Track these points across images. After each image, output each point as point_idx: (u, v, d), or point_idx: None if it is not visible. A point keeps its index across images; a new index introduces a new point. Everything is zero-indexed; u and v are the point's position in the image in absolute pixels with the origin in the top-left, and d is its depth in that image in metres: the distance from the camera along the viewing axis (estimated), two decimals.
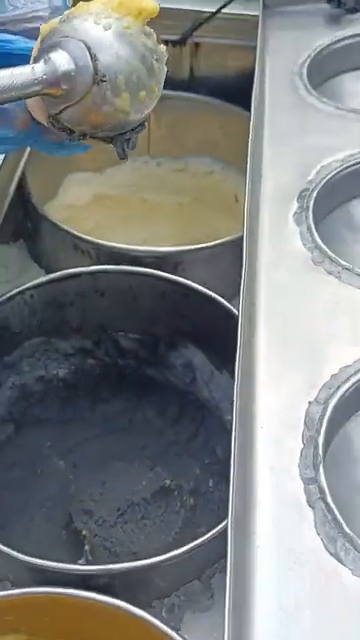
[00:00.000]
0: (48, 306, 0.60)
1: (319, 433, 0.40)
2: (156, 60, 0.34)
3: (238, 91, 0.71)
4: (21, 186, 0.65)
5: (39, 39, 0.34)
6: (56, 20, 0.34)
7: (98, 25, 0.33)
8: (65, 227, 0.63)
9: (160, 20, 0.35)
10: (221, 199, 0.79)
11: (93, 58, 0.32)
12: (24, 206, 0.66)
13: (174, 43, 0.76)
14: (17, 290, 0.58)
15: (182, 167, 0.83)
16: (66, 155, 0.42)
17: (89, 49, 0.32)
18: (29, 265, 0.70)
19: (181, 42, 0.77)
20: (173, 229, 0.79)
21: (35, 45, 0.35)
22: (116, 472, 0.58)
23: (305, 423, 0.41)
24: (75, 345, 0.63)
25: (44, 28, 0.34)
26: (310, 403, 0.42)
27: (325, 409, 0.41)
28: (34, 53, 0.34)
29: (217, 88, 0.79)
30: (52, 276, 0.59)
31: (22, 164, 0.65)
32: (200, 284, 0.58)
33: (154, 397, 0.63)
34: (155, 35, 0.34)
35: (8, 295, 0.57)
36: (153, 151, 0.81)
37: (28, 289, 0.58)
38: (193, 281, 0.58)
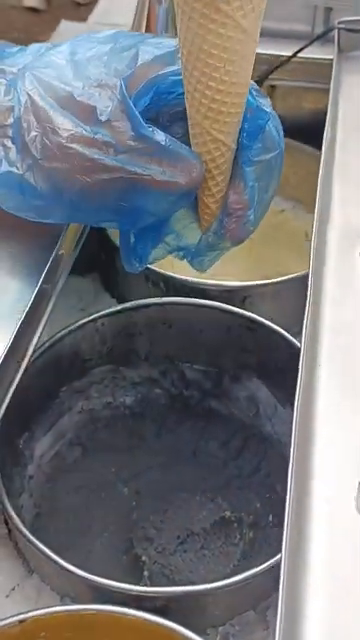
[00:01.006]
0: (118, 335, 0.61)
1: None
2: None
3: (311, 131, 0.71)
4: None
5: None
6: None
7: None
8: None
9: None
10: (292, 236, 0.80)
11: None
12: (99, 240, 0.69)
13: None
14: (89, 318, 0.59)
15: None
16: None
17: None
18: (102, 295, 0.72)
19: (258, 84, 0.79)
20: (244, 265, 0.79)
21: None
22: (178, 501, 0.59)
23: None
24: (142, 374, 0.64)
25: None
26: None
27: None
28: None
29: (291, 128, 0.80)
30: (123, 306, 0.61)
31: None
32: (266, 319, 0.58)
33: (217, 429, 0.63)
34: None
35: (80, 322, 0.59)
36: None
37: (100, 317, 0.59)
38: (259, 316, 0.59)
